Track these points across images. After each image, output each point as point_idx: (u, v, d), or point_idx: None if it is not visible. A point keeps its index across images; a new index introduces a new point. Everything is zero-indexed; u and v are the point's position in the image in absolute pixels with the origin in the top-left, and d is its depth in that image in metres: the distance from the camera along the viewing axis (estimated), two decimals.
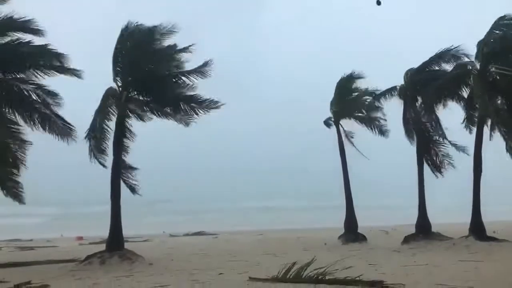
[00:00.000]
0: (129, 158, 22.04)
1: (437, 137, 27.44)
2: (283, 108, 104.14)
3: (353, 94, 31.66)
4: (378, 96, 29.48)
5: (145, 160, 22.92)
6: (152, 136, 23.34)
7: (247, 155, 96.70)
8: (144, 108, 21.80)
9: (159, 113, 21.90)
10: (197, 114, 21.50)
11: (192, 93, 21.45)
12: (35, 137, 19.72)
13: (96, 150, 20.13)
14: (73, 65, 19.23)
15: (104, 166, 20.34)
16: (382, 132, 30.74)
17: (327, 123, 32.46)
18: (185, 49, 21.08)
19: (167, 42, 21.13)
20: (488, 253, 19.40)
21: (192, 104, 21.35)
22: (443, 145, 27.34)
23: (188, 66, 21.27)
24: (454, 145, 26.56)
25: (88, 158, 20.12)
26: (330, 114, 32.51)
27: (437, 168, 27.54)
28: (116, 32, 20.60)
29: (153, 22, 20.85)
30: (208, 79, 20.88)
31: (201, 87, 21.08)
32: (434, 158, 27.60)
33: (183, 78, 21.24)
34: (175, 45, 21.13)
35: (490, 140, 24.74)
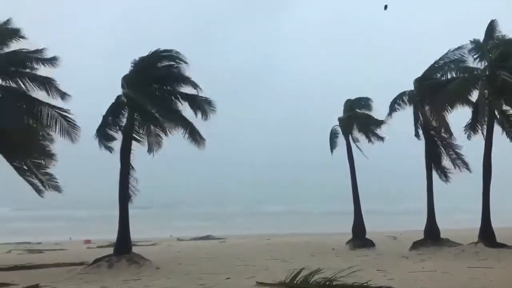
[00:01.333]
0: (136, 162, 22.18)
1: (445, 142, 27.34)
2: (296, 108, 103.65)
3: (361, 115, 32.24)
4: (390, 106, 29.25)
5: (150, 163, 22.96)
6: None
7: (254, 159, 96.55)
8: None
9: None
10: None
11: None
12: None
13: (103, 137, 20.61)
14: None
15: (110, 151, 20.88)
16: (382, 138, 31.20)
17: (332, 138, 32.69)
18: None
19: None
20: (498, 259, 19.20)
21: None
22: (452, 151, 27.25)
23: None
24: (458, 153, 26.70)
25: (96, 161, 20.37)
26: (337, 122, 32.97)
27: (444, 174, 27.43)
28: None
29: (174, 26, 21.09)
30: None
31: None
32: (442, 164, 27.47)
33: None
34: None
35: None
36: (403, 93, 28.36)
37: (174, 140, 21.72)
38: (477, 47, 24.22)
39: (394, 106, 28.29)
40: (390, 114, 28.45)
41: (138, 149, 21.84)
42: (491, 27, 24.21)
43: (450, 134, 26.82)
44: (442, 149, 27.57)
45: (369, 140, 31.52)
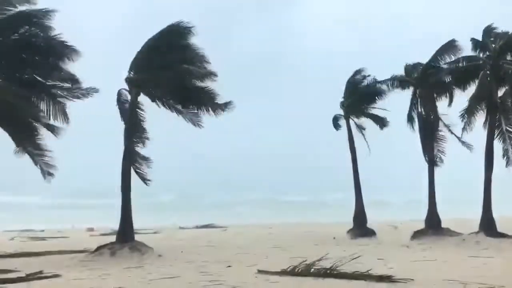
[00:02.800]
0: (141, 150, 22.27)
1: (441, 132, 27.37)
2: (303, 100, 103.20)
3: (361, 87, 31.77)
4: (381, 82, 29.69)
5: (155, 151, 22.99)
6: (163, 127, 23.36)
7: (256, 148, 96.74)
8: (156, 100, 21.97)
9: (168, 106, 22.00)
10: (208, 111, 21.52)
11: (203, 93, 21.37)
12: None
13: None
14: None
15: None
16: (384, 124, 30.87)
17: (336, 122, 32.46)
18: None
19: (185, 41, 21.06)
20: (498, 249, 19.28)
21: (203, 106, 21.42)
22: (443, 140, 27.35)
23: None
24: (460, 139, 26.51)
25: (99, 149, 20.37)
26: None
27: (432, 162, 27.15)
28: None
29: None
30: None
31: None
32: (435, 153, 27.37)
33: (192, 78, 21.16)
34: (191, 44, 21.10)
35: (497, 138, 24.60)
36: (394, 78, 28.74)
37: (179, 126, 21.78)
38: (478, 41, 24.42)
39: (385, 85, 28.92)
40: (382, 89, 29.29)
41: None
42: (489, 28, 24.53)
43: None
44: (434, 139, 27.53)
45: (372, 119, 31.18)
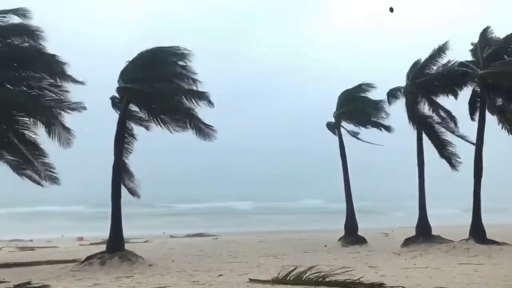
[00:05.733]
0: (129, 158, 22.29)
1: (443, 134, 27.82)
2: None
3: (358, 101, 31.48)
4: (388, 94, 29.44)
5: (143, 160, 23.06)
6: (151, 135, 23.41)
7: (246, 156, 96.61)
8: (143, 114, 22.01)
9: (157, 120, 21.94)
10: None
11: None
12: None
13: None
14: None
15: None
16: (387, 128, 30.89)
17: (330, 126, 32.47)
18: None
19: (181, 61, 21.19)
20: (488, 256, 19.41)
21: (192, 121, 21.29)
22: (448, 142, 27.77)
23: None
24: (462, 137, 26.90)
25: (87, 158, 20.36)
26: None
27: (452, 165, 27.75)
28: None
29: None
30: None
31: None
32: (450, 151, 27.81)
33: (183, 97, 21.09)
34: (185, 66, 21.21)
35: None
36: (398, 88, 28.70)
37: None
38: (474, 48, 24.57)
39: (394, 94, 28.68)
40: (389, 102, 28.90)
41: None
42: (485, 32, 24.50)
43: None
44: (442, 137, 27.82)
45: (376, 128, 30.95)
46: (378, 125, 31.02)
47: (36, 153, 19.96)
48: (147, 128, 22.55)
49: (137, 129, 22.58)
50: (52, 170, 20.35)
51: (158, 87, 20.58)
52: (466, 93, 25.57)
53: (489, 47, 23.65)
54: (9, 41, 18.60)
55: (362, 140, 31.59)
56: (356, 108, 31.17)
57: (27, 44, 18.48)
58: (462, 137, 27.12)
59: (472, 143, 25.34)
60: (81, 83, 19.22)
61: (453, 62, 25.62)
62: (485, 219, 23.75)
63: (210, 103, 20.71)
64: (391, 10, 11.21)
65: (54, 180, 20.58)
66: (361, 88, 31.40)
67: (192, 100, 20.80)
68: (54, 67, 18.61)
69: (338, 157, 31.36)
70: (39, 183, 20.83)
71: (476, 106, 24.64)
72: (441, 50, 26.15)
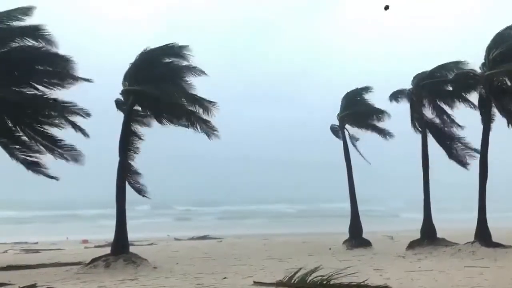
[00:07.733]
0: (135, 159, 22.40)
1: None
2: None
3: (361, 105, 31.46)
4: (391, 96, 29.27)
5: (150, 162, 23.13)
6: (157, 136, 23.51)
7: (252, 157, 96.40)
8: (148, 113, 22.09)
9: (161, 119, 22.02)
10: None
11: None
12: None
13: None
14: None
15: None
16: (388, 134, 30.82)
17: (334, 129, 32.39)
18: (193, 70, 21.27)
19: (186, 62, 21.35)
20: (494, 259, 19.31)
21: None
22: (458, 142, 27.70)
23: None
24: (468, 146, 26.94)
25: (92, 161, 20.43)
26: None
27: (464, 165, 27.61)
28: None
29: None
30: None
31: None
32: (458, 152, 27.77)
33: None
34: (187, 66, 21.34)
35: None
36: (401, 91, 28.60)
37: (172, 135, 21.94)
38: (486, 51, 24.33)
39: (396, 96, 28.49)
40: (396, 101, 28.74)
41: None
42: (498, 36, 23.91)
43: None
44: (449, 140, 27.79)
45: (377, 131, 30.91)
46: (378, 130, 31.02)
47: (57, 142, 20.08)
48: (149, 126, 22.68)
49: (158, 139, 22.70)
50: (74, 149, 20.17)
51: (164, 88, 20.73)
52: (473, 98, 25.56)
53: (496, 49, 23.57)
54: (18, 43, 18.70)
55: (357, 150, 31.63)
56: (357, 111, 31.17)
57: (37, 45, 18.60)
58: (466, 144, 27.21)
59: (476, 150, 25.74)
60: (89, 80, 19.29)
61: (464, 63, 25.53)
62: (491, 222, 23.65)
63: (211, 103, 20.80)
64: (386, 8, 11.12)
65: (77, 158, 20.32)
66: (363, 91, 31.40)
67: (195, 101, 20.90)
68: (63, 66, 18.78)
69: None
70: (53, 177, 20.76)
71: (482, 109, 24.54)
72: (456, 64, 25.93)
